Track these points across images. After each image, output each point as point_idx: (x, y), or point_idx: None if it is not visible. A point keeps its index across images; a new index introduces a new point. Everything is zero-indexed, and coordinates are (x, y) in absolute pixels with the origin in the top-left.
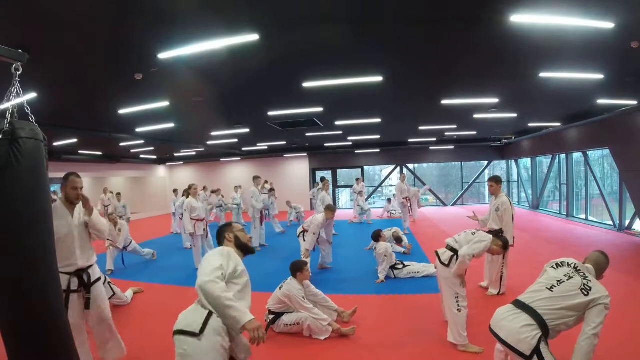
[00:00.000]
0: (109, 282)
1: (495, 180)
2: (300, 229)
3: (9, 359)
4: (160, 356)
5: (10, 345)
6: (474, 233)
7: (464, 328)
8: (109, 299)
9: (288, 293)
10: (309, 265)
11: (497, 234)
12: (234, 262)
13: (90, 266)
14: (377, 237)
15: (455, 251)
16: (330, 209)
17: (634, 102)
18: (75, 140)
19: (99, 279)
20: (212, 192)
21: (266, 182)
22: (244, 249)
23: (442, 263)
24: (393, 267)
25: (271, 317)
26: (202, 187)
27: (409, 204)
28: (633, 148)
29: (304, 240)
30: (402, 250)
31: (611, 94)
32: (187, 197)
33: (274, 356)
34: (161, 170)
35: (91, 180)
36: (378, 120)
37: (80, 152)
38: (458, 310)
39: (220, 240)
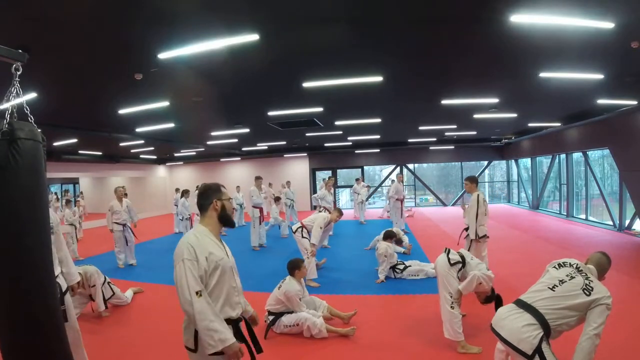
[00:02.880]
0: (108, 282)
1: (470, 179)
2: (297, 225)
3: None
4: (160, 356)
5: (6, 344)
6: (489, 270)
7: (459, 325)
8: (109, 299)
9: (287, 294)
10: (305, 262)
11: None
12: (203, 253)
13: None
14: (387, 237)
15: (464, 260)
16: (339, 211)
17: (634, 102)
18: (75, 140)
19: (66, 290)
20: None
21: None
22: (226, 222)
23: (448, 260)
24: (394, 268)
25: (271, 318)
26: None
27: (401, 205)
28: (633, 148)
29: (303, 237)
30: (402, 250)
31: (611, 94)
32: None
33: (273, 356)
34: (161, 170)
35: (91, 180)
36: (378, 120)
37: (80, 152)
38: (451, 307)
39: (204, 205)
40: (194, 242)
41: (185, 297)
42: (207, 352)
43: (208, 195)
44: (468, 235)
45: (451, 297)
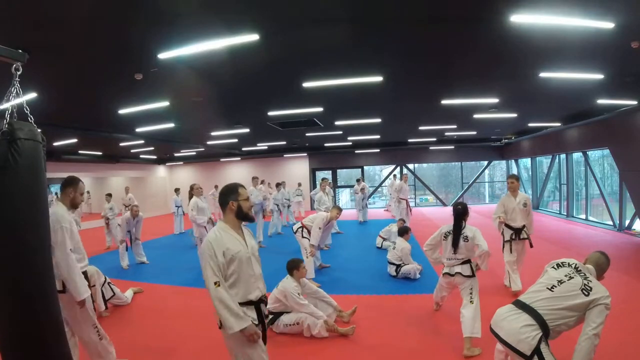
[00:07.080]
0: (108, 282)
1: (517, 178)
2: (298, 225)
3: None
4: (161, 356)
5: (5, 343)
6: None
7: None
8: (109, 299)
9: (284, 290)
10: (304, 263)
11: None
12: (220, 248)
13: None
14: (404, 232)
15: (468, 259)
16: (338, 208)
17: (634, 102)
18: (75, 140)
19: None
20: None
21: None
22: (243, 218)
23: (467, 277)
24: (397, 266)
25: (270, 317)
26: (214, 185)
27: (406, 205)
28: (633, 148)
29: (303, 237)
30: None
31: (611, 94)
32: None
33: (273, 356)
34: (161, 170)
35: (91, 180)
36: (378, 120)
37: (80, 152)
38: (471, 302)
39: (223, 205)
40: (213, 239)
41: (208, 287)
42: (227, 332)
43: (226, 196)
44: (523, 236)
45: (471, 292)
